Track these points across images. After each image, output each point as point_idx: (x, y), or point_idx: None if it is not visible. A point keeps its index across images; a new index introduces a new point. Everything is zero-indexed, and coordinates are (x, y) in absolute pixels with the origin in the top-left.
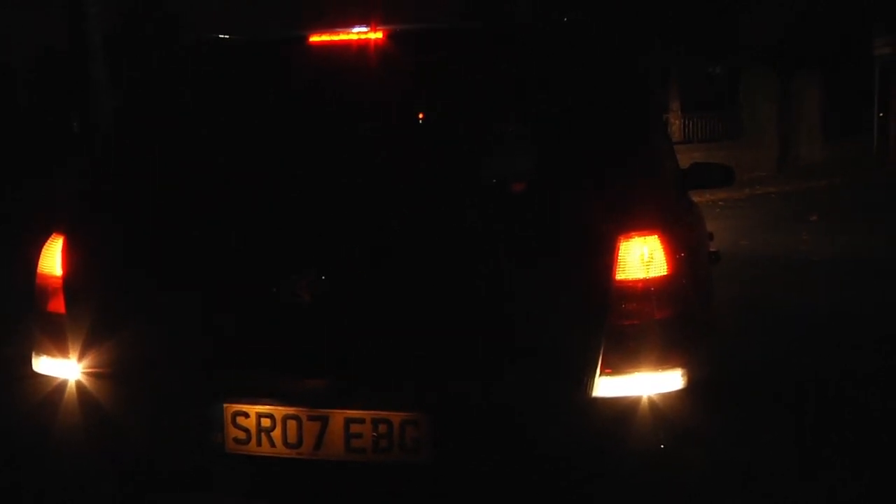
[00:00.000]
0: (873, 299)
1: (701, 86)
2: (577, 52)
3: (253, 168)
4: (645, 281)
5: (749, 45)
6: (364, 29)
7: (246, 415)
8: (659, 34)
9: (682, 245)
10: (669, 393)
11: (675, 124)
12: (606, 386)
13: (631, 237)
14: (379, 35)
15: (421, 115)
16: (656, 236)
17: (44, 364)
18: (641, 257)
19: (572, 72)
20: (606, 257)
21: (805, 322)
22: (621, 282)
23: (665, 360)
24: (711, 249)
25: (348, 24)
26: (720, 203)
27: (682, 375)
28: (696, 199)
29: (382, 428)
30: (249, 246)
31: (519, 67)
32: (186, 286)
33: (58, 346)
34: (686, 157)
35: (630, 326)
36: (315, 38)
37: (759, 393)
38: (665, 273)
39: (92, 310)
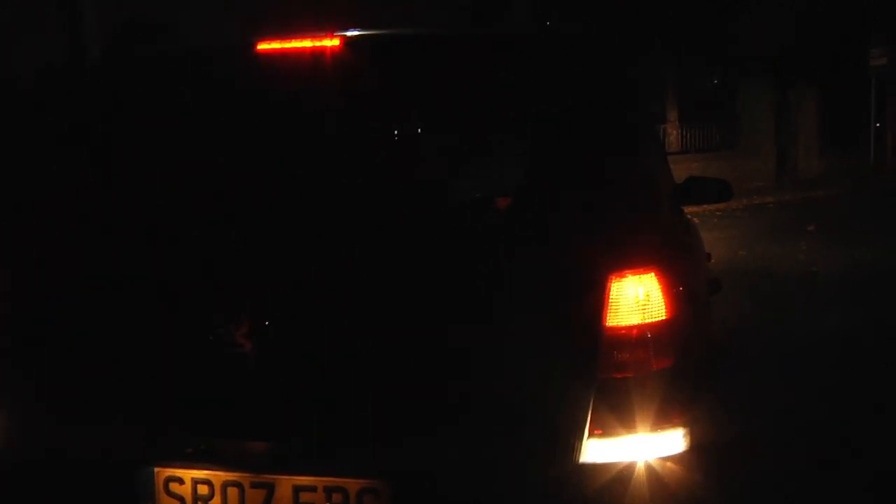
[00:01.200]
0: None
1: (699, 96)
2: (558, 63)
3: (187, 194)
4: (640, 327)
5: (746, 56)
6: (321, 35)
7: (180, 481)
8: (656, 44)
9: (683, 281)
10: (670, 457)
11: (673, 134)
12: (596, 450)
13: (624, 276)
14: (335, 42)
15: (381, 134)
16: (653, 274)
17: None
18: (636, 299)
19: (552, 84)
20: (595, 300)
21: (814, 352)
22: (613, 328)
23: (664, 418)
24: (711, 276)
25: (307, 29)
26: (718, 213)
27: (684, 436)
28: (692, 207)
29: (337, 497)
30: (183, 285)
31: (491, 79)
32: (111, 329)
33: None
34: (684, 168)
35: (623, 380)
36: (263, 47)
37: (772, 453)
38: (664, 317)
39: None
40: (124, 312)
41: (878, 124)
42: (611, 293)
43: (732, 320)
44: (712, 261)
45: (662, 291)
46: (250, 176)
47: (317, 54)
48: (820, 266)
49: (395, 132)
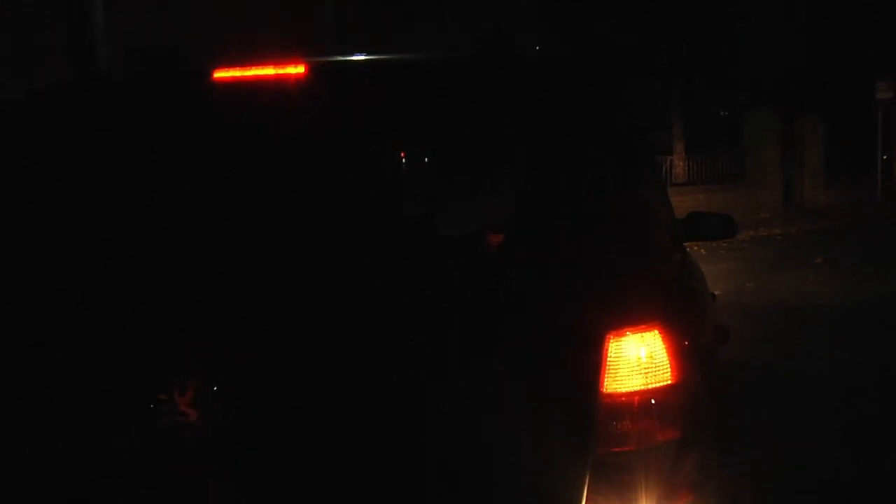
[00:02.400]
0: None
1: (705, 127)
2: (543, 90)
3: (122, 235)
4: (643, 393)
5: (752, 87)
6: (285, 61)
7: None
8: (662, 75)
9: (691, 338)
10: None
11: (680, 166)
12: None
13: (623, 334)
14: (300, 69)
15: (352, 169)
16: (656, 332)
17: None
18: (637, 361)
19: (537, 113)
20: (590, 363)
21: (825, 392)
22: (611, 395)
23: (671, 498)
24: (718, 323)
25: (276, 55)
26: (724, 245)
27: None
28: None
29: None
30: (117, 341)
31: (470, 108)
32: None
33: None
34: (690, 199)
35: (624, 455)
36: (220, 75)
37: None
38: (669, 381)
39: None
40: (52, 379)
41: (884, 156)
42: (608, 355)
43: (740, 356)
44: (718, 295)
45: (667, 351)
46: (198, 221)
47: (280, 83)
48: (827, 299)
49: (367, 168)
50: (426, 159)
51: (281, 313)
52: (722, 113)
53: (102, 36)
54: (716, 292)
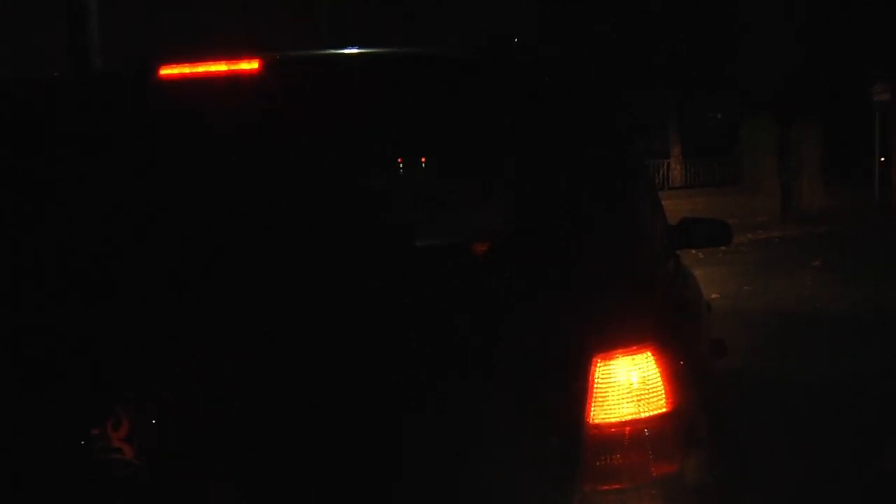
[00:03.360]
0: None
1: (702, 131)
2: (523, 88)
3: (59, 249)
4: (635, 423)
5: (749, 91)
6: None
7: None
8: (658, 79)
9: (687, 359)
10: None
11: (677, 170)
12: None
13: (612, 357)
14: (254, 65)
15: (314, 176)
16: (649, 353)
17: None
18: (628, 387)
19: (517, 113)
20: (575, 390)
21: (822, 398)
22: (599, 426)
23: None
24: (714, 338)
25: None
26: (721, 248)
27: None
28: None
29: None
30: (45, 368)
31: (443, 107)
32: None
33: None
34: (687, 203)
35: (614, 494)
36: (166, 72)
37: None
38: (664, 409)
39: None
40: None
41: (882, 159)
42: (596, 380)
43: (737, 362)
44: (714, 299)
45: (662, 375)
46: (152, 233)
47: (232, 80)
48: (826, 302)
49: (326, 172)
50: (396, 162)
51: (233, 337)
52: (718, 116)
53: (98, 37)
54: (713, 295)
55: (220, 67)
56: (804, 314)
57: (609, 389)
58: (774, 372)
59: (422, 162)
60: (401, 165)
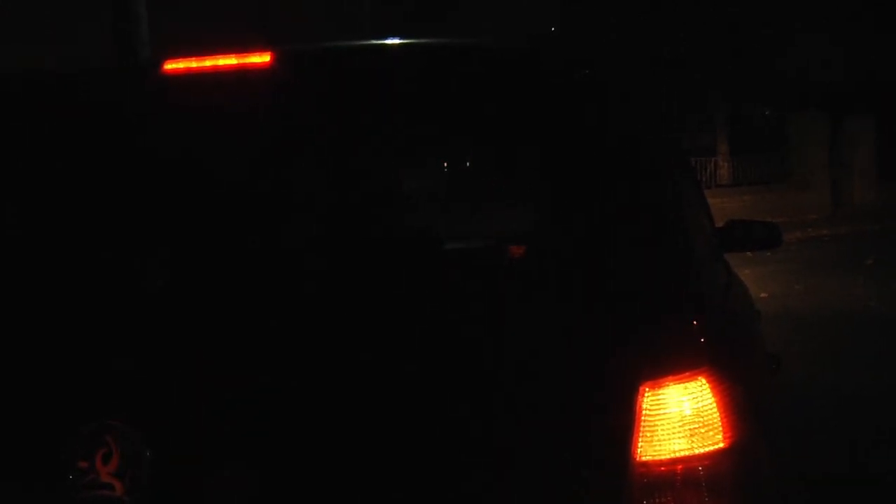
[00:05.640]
0: None
1: (750, 127)
2: (547, 82)
3: (41, 256)
4: (688, 461)
5: (798, 85)
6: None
7: None
8: (705, 74)
9: (745, 382)
10: None
11: (724, 167)
12: None
13: (662, 384)
14: (265, 59)
15: (319, 177)
16: (703, 379)
17: None
18: (680, 419)
19: (540, 107)
20: (620, 423)
21: (878, 405)
22: (647, 465)
23: None
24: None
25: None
26: None
27: None
28: None
29: None
30: (24, 391)
31: (459, 102)
32: None
33: None
34: (735, 201)
35: None
36: (171, 66)
37: None
38: (721, 445)
39: None
40: None
41: None
42: (643, 411)
43: (789, 371)
44: (763, 298)
45: (719, 405)
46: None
47: (241, 75)
48: (879, 301)
49: (340, 172)
50: (414, 162)
51: (242, 356)
52: (767, 113)
53: (144, 28)
54: (762, 295)
55: (228, 62)
56: (856, 313)
57: (658, 422)
58: (825, 378)
59: (443, 162)
60: (423, 165)
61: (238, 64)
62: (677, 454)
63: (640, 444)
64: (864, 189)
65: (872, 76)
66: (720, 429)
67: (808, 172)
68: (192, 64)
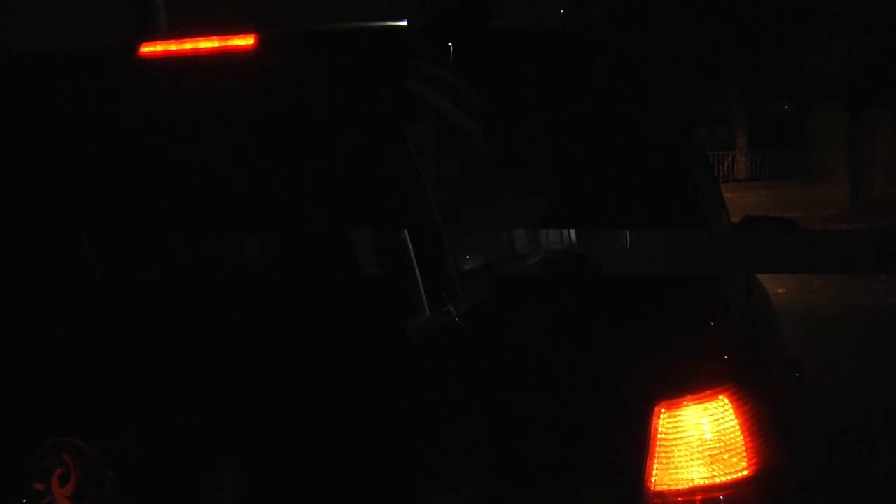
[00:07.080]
0: None
1: (769, 121)
2: (553, 67)
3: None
4: (708, 490)
5: (818, 79)
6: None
7: None
8: (723, 68)
9: (772, 399)
10: None
11: (742, 161)
12: None
13: (679, 404)
14: (249, 42)
15: (304, 166)
16: (725, 398)
17: None
18: (700, 443)
19: (545, 96)
20: (633, 446)
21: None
22: (662, 495)
23: None
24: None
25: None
26: None
27: None
28: None
29: None
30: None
31: (458, 89)
32: None
33: None
34: (753, 195)
35: None
36: (148, 49)
37: None
38: (746, 472)
39: None
40: None
41: None
42: (658, 434)
43: (810, 371)
44: (781, 293)
45: (742, 427)
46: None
47: (223, 58)
48: None
49: (327, 161)
50: (404, 152)
51: (219, 365)
52: (786, 107)
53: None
54: (779, 290)
55: (210, 45)
56: (877, 308)
57: (675, 447)
58: (851, 381)
59: (433, 150)
60: (418, 154)
61: (220, 47)
62: (696, 483)
63: (654, 472)
64: (883, 183)
65: (892, 70)
66: (744, 454)
67: (826, 167)
68: (171, 47)
